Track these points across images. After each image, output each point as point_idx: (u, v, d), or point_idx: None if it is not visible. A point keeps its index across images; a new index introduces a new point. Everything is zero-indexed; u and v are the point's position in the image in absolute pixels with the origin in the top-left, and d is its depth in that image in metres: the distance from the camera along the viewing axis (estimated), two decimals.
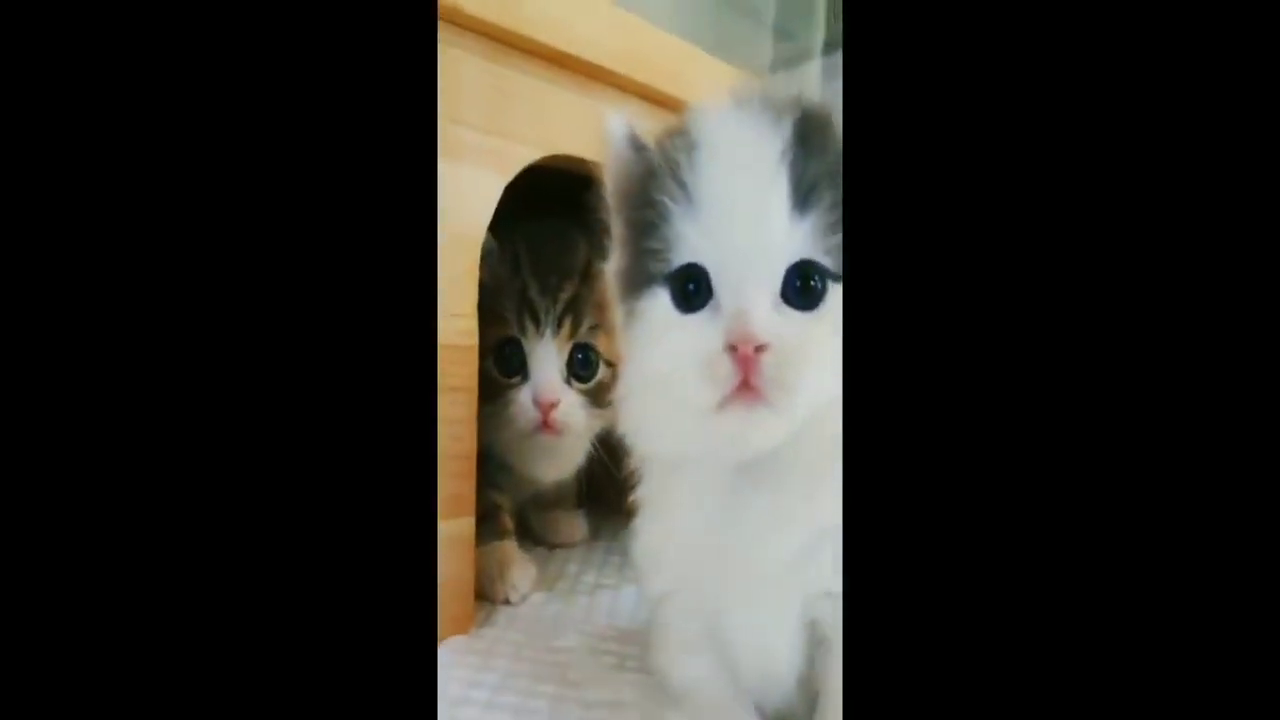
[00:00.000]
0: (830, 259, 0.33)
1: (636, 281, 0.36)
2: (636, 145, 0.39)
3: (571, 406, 0.64)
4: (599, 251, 0.69)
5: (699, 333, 0.34)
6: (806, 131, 0.34)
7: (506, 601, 0.62)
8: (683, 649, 0.43)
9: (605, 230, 0.42)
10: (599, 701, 0.47)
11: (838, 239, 0.33)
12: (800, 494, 0.35)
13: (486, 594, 0.62)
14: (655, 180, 0.36)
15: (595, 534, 0.79)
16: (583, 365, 0.67)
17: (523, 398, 0.64)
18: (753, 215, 0.33)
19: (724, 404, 0.33)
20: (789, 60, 1.24)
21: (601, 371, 0.67)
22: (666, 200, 0.34)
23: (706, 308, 0.34)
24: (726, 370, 0.32)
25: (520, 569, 0.64)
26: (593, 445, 0.70)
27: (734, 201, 0.33)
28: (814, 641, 0.38)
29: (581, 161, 0.57)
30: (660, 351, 0.35)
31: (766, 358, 0.31)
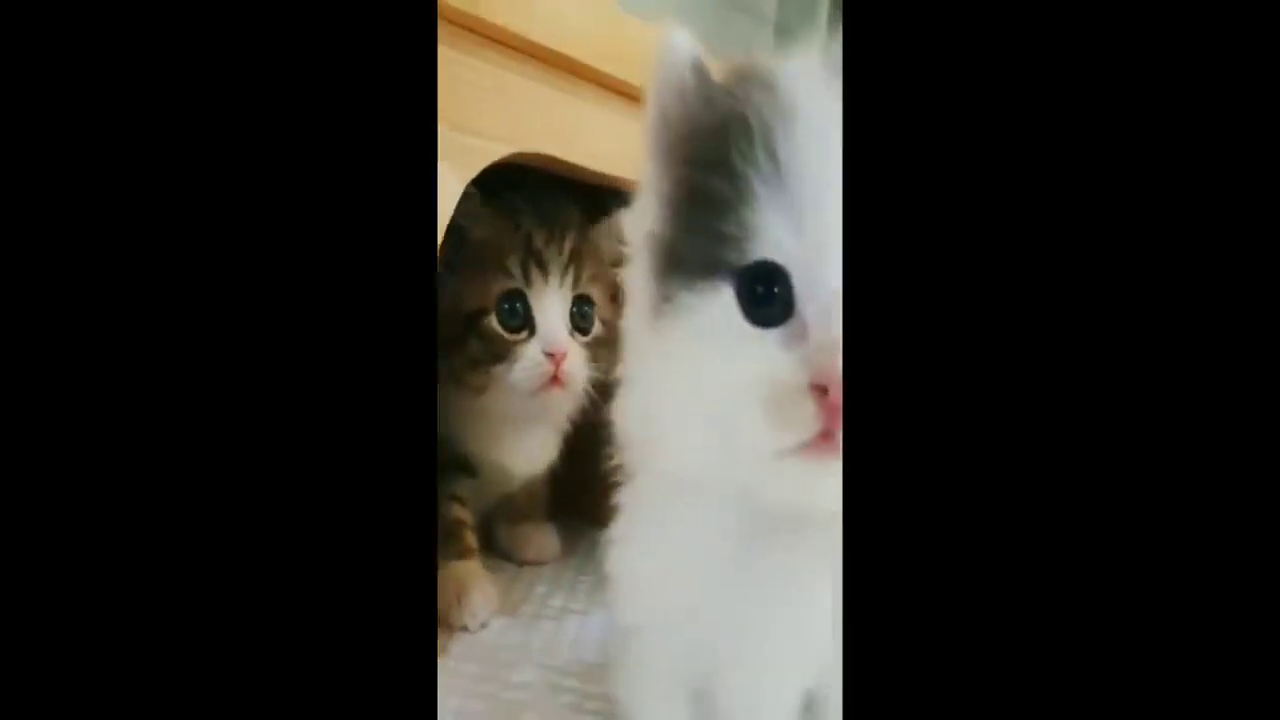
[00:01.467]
0: None
1: (690, 265, 0.29)
2: (705, 81, 0.31)
3: (576, 361, 0.61)
4: (594, 204, 0.66)
5: (773, 357, 0.27)
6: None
7: (464, 629, 0.58)
8: (655, 694, 0.39)
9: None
10: None
11: None
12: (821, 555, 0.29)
13: (443, 619, 0.58)
14: (738, 142, 0.28)
15: (568, 550, 0.76)
16: (582, 318, 0.63)
17: (531, 351, 0.60)
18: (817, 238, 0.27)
19: (795, 452, 0.26)
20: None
21: (597, 326, 0.64)
22: (751, 174, 0.27)
23: (784, 325, 0.27)
24: (809, 414, 0.26)
25: (480, 594, 0.60)
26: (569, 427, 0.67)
27: (834, 197, 0.26)
28: (808, 712, 0.34)
29: (553, 160, 0.53)
30: (717, 368, 0.28)
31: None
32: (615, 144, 0.56)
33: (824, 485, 0.26)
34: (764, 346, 0.27)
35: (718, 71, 0.32)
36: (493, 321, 0.60)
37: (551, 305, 0.61)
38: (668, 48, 0.31)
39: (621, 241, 0.38)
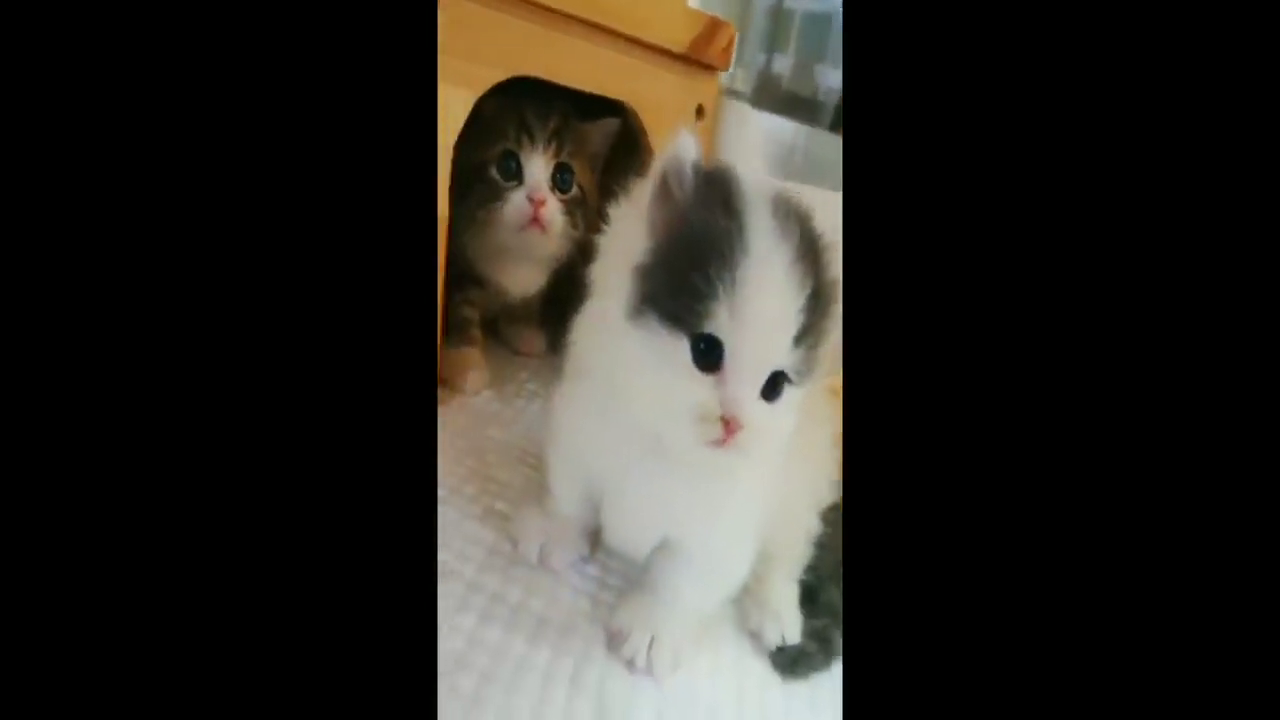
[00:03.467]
0: (797, 372, 0.42)
1: (663, 312, 0.41)
2: (699, 185, 0.42)
3: (554, 211, 0.83)
4: (580, 104, 0.84)
5: (703, 393, 0.41)
6: (814, 249, 0.42)
7: (462, 393, 0.84)
8: (561, 477, 0.57)
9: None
10: (498, 480, 0.70)
11: (807, 353, 0.42)
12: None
13: (449, 384, 0.84)
14: (709, 253, 0.40)
15: (552, 347, 1.00)
16: (562, 180, 0.85)
17: (518, 197, 0.82)
18: (772, 324, 0.40)
19: (703, 447, 0.42)
20: None
21: (575, 190, 0.85)
22: (716, 281, 0.39)
23: (715, 374, 0.41)
24: (717, 430, 0.41)
25: (477, 372, 0.85)
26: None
27: (764, 307, 0.40)
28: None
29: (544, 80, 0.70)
30: (665, 392, 0.41)
31: (743, 433, 0.41)
32: (593, 69, 0.73)
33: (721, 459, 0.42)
34: (700, 383, 0.41)
35: (712, 171, 0.42)
36: (493, 171, 0.82)
37: (536, 164, 0.82)
38: (678, 144, 0.41)
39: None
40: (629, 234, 0.43)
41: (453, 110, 0.64)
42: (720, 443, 0.41)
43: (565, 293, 0.93)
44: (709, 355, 0.41)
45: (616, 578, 0.58)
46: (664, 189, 0.42)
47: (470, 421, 0.79)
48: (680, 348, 0.41)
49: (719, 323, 0.40)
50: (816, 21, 1.43)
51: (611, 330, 0.43)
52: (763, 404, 0.42)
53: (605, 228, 0.47)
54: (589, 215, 0.86)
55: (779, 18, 1.46)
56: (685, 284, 0.40)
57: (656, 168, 0.42)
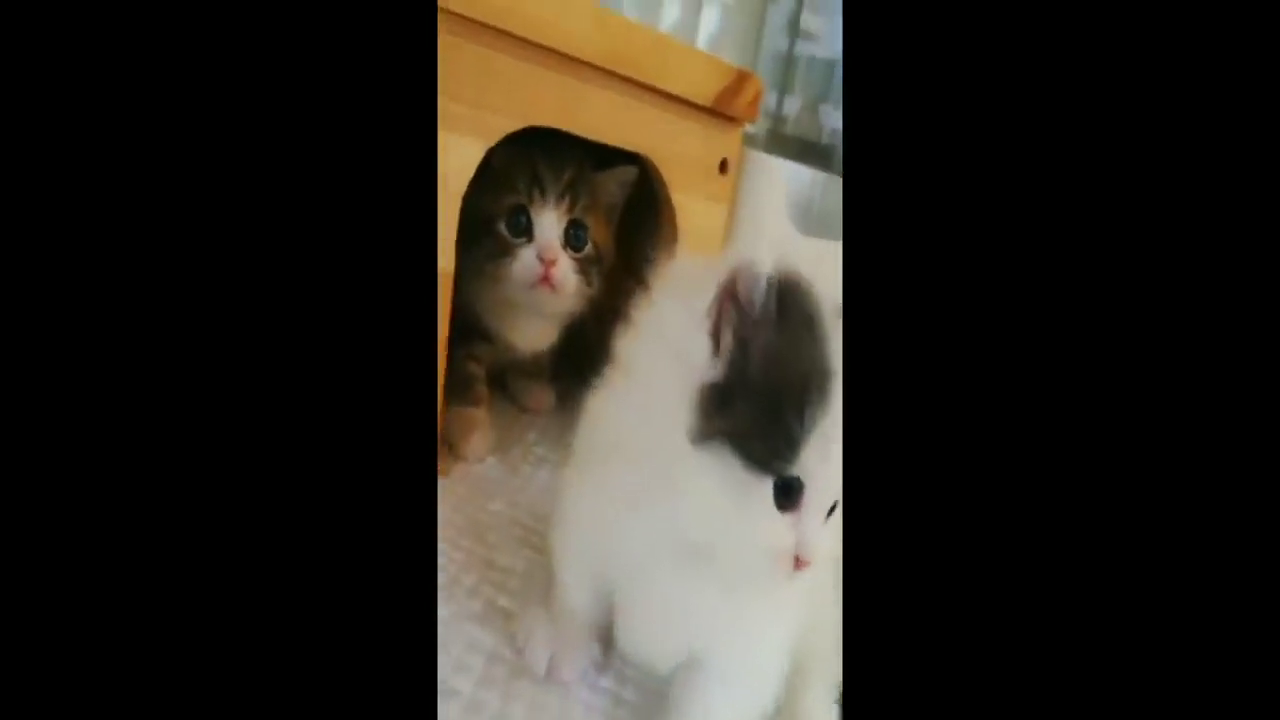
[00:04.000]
0: None
1: (744, 450, 0.37)
2: (775, 303, 0.37)
3: (566, 269, 0.78)
4: (596, 156, 0.79)
5: (779, 531, 0.38)
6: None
7: (464, 460, 0.78)
8: (572, 568, 0.51)
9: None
10: (500, 567, 0.64)
11: None
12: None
13: (450, 449, 0.78)
14: (801, 389, 0.36)
15: (562, 403, 0.95)
16: (575, 238, 0.79)
17: (527, 254, 0.77)
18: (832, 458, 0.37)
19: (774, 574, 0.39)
20: None
21: (589, 248, 0.80)
22: (809, 422, 0.36)
23: (792, 513, 0.38)
24: (786, 567, 0.38)
25: (481, 436, 0.79)
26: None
27: (839, 437, 0.36)
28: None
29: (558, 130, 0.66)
30: (730, 522, 0.38)
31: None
32: (612, 119, 0.69)
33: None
34: (776, 521, 0.37)
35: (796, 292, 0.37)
36: (501, 226, 0.77)
37: (548, 220, 0.77)
38: (749, 255, 0.36)
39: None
40: (682, 335, 0.38)
41: (463, 159, 0.59)
42: (788, 575, 0.38)
43: (579, 347, 0.88)
44: (790, 496, 0.37)
45: (633, 690, 0.52)
46: (732, 300, 0.37)
47: (470, 492, 0.73)
48: (759, 487, 0.37)
49: (806, 465, 0.37)
50: (822, 66, 1.43)
51: (663, 443, 0.38)
52: (823, 529, 0.39)
53: (642, 303, 0.42)
54: (604, 273, 0.81)
55: (789, 62, 1.44)
56: (777, 426, 0.36)
57: (724, 275, 0.37)
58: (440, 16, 0.55)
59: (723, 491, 0.37)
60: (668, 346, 0.39)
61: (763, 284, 0.36)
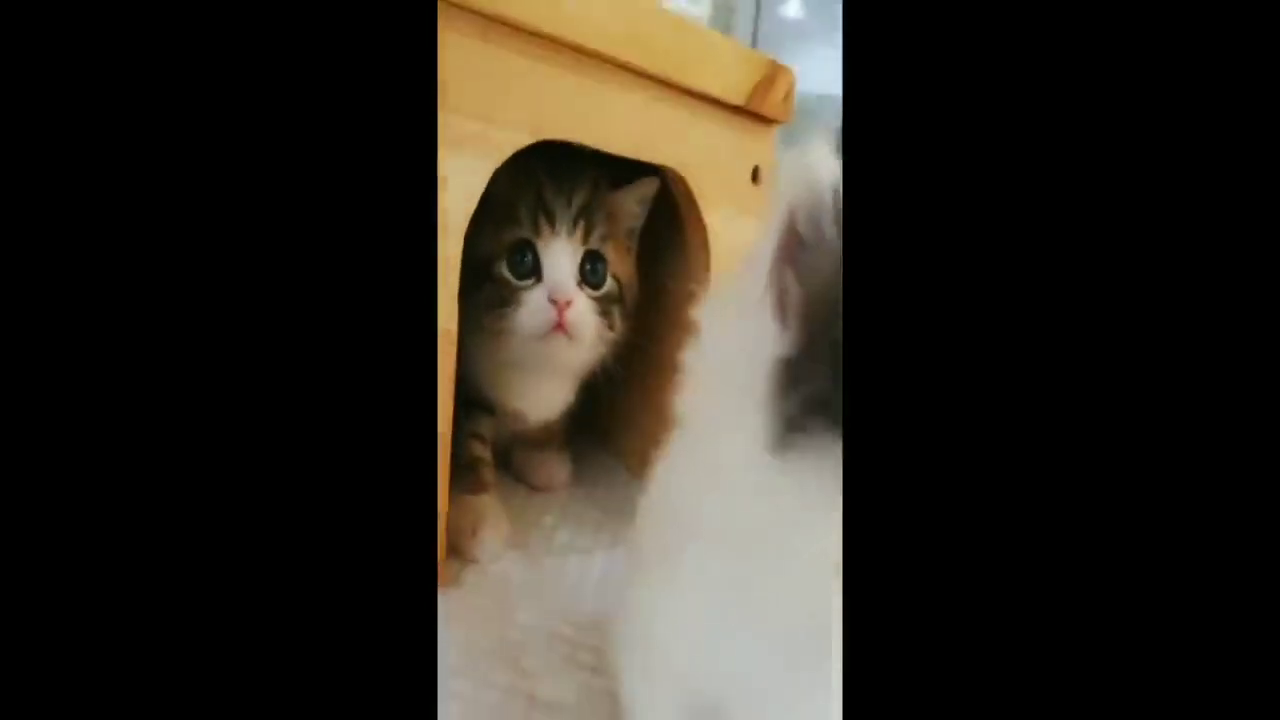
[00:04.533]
0: None
1: (836, 416, 0.29)
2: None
3: (584, 311, 0.64)
4: (613, 171, 0.65)
5: None
6: None
7: (475, 560, 0.63)
8: (654, 694, 0.41)
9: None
10: (545, 701, 0.49)
11: None
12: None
13: (456, 549, 0.63)
14: None
15: (578, 476, 0.80)
16: (593, 273, 0.65)
17: (536, 298, 0.62)
18: None
19: None
20: None
21: (609, 283, 0.66)
22: None
23: None
24: None
25: (493, 529, 0.64)
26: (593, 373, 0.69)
27: None
28: None
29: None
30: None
31: None
32: (633, 126, 0.55)
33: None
34: None
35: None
36: (503, 268, 0.62)
37: (559, 254, 0.63)
38: (809, 163, 0.29)
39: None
40: (742, 335, 0.32)
41: (467, 186, 0.45)
42: None
43: (600, 405, 0.74)
44: None
45: None
46: (794, 239, 0.30)
47: (491, 603, 0.58)
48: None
49: None
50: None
51: (741, 479, 0.32)
52: None
53: (694, 342, 0.35)
54: (627, 313, 0.67)
55: None
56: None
57: (781, 218, 0.30)
58: (440, 8, 0.42)
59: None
60: (731, 363, 0.32)
61: (828, 198, 0.29)
